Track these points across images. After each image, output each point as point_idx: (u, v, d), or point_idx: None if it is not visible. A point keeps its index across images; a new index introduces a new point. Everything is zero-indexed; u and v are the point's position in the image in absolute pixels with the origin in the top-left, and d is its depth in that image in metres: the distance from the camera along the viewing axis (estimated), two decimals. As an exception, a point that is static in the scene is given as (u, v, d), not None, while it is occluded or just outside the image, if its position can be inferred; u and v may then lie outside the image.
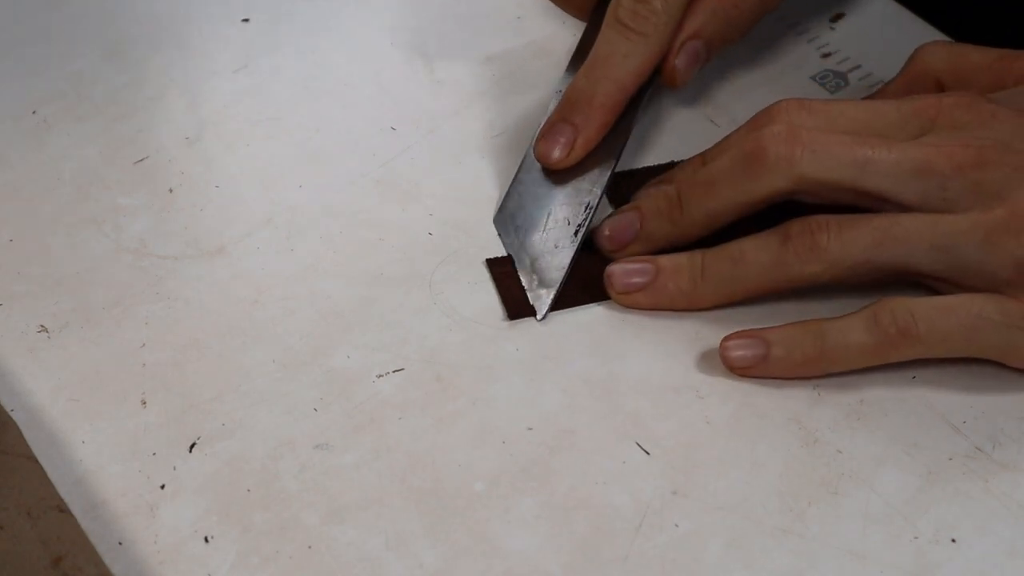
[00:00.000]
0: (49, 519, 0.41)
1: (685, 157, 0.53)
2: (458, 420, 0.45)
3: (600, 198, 0.51)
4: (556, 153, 0.51)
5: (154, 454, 0.44)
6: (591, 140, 0.52)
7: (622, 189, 0.53)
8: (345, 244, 0.52)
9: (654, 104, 0.57)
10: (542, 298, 0.49)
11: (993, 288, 0.45)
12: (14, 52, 0.61)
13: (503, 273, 0.50)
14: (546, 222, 0.51)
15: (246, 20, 0.63)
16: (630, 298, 0.49)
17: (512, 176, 0.53)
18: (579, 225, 0.50)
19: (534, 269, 0.50)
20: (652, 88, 0.54)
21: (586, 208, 0.51)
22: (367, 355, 0.47)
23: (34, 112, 0.57)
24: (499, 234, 0.52)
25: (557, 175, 0.52)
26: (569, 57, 0.56)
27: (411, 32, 0.62)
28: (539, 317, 0.49)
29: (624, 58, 0.51)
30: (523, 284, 0.50)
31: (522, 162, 0.53)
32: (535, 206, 0.52)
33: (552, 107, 0.53)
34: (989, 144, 0.45)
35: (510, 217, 0.52)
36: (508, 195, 0.53)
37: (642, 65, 0.52)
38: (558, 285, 0.49)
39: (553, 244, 0.50)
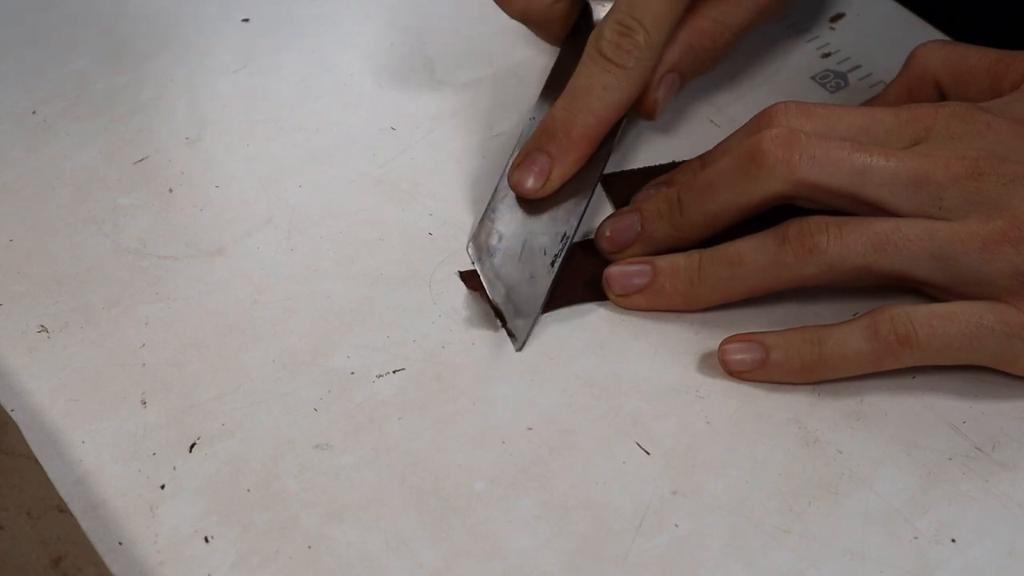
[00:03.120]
0: (49, 519, 0.41)
1: (685, 157, 0.54)
2: (458, 420, 0.45)
3: (576, 228, 0.50)
4: (530, 183, 0.50)
5: (154, 454, 0.44)
6: (567, 172, 0.51)
7: (622, 189, 0.53)
8: (345, 244, 0.52)
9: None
10: (519, 328, 0.48)
11: (992, 297, 0.45)
12: (14, 52, 0.61)
13: (477, 286, 0.49)
14: (521, 252, 0.50)
15: (246, 20, 0.63)
16: (629, 300, 0.49)
17: (487, 202, 0.52)
18: (555, 255, 0.49)
19: (510, 299, 0.49)
20: (625, 119, 0.53)
21: (562, 239, 0.50)
22: (367, 355, 0.47)
23: (34, 112, 0.57)
24: (472, 262, 0.50)
25: (532, 204, 0.51)
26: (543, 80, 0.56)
27: (411, 32, 0.62)
28: (517, 348, 0.48)
29: (604, 91, 0.50)
30: (501, 316, 0.48)
31: (495, 190, 0.52)
32: (510, 235, 0.50)
33: (524, 133, 0.53)
34: (984, 155, 0.45)
35: (484, 245, 0.50)
36: (482, 222, 0.51)
37: (622, 99, 0.51)
38: (535, 317, 0.48)
39: (529, 274, 0.49)
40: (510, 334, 0.48)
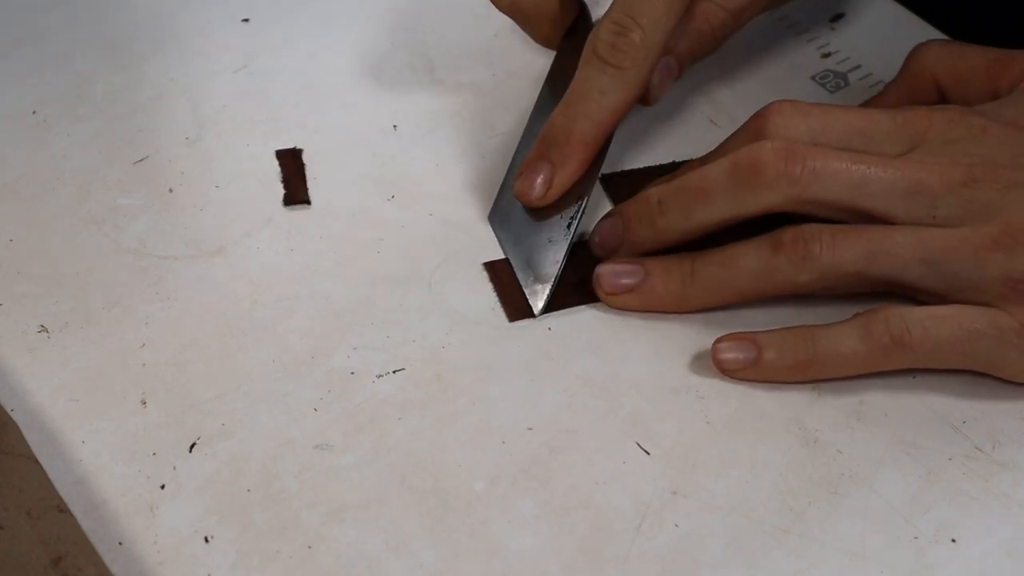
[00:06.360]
0: (49, 519, 0.41)
1: (685, 157, 0.54)
2: (458, 420, 0.45)
3: (591, 191, 0.51)
4: (534, 192, 0.50)
5: (154, 454, 0.44)
6: (569, 178, 0.50)
7: (623, 189, 0.53)
8: (345, 244, 0.52)
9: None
10: (538, 293, 0.49)
11: (985, 302, 0.45)
12: (14, 52, 0.61)
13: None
14: (539, 217, 0.51)
15: (246, 20, 0.63)
16: (619, 299, 0.49)
17: (504, 173, 0.53)
18: (571, 218, 0.50)
19: (529, 265, 0.50)
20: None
21: (578, 200, 0.50)
22: (367, 355, 0.47)
23: (34, 112, 0.57)
24: (494, 232, 0.52)
25: None
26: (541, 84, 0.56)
27: (411, 32, 0.62)
28: (536, 313, 0.49)
29: (601, 95, 0.50)
30: (520, 284, 0.50)
31: (513, 159, 0.53)
32: None
33: (523, 134, 0.53)
34: (979, 161, 0.45)
35: (504, 214, 0.52)
36: (501, 192, 0.53)
37: (620, 101, 0.50)
38: (553, 280, 0.49)
39: (547, 239, 0.50)
40: (529, 299, 0.49)
